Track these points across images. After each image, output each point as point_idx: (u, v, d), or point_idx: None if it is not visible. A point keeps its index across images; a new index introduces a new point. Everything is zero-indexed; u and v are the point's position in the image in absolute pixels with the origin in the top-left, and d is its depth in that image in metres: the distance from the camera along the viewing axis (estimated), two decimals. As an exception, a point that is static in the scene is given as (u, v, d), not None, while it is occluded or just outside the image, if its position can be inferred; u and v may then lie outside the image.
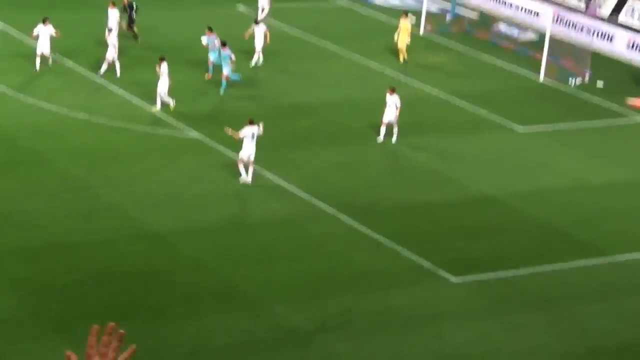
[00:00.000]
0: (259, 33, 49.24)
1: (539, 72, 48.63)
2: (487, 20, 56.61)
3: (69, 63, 49.06)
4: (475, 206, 37.34)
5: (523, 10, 56.22)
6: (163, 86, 45.33)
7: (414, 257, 33.66)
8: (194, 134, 42.10)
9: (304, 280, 32.52)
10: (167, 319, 29.69)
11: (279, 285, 31.96)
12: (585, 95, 47.07)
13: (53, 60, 48.67)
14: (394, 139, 40.72)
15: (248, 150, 38.98)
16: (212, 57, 46.90)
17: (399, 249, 34.15)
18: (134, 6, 51.53)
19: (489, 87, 47.58)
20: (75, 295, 30.19)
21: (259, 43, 49.15)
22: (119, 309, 29.32)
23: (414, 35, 54.50)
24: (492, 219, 36.48)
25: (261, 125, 39.11)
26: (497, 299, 31.81)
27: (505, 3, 58.03)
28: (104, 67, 46.88)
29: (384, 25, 57.09)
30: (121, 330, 4.04)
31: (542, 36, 50.03)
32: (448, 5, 57.85)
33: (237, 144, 39.60)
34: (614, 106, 46.18)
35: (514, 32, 54.01)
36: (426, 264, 33.27)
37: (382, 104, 44.17)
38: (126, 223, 35.47)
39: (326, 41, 54.55)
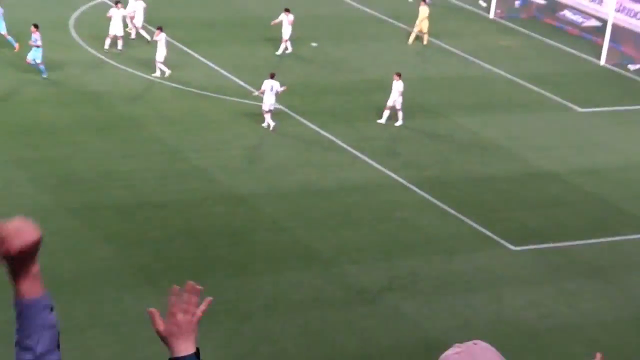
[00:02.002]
0: (286, 22, 49.66)
1: (600, 57, 49.71)
2: (554, 6, 56.82)
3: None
4: (536, 180, 38.72)
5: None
6: (160, 54, 47.38)
7: (477, 226, 35.27)
8: (279, 106, 43.44)
9: (374, 243, 33.92)
10: (247, 274, 31.22)
11: (351, 248, 33.57)
12: None
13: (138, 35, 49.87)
14: (398, 122, 42.53)
15: (268, 101, 42.07)
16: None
17: (463, 218, 35.72)
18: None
19: (553, 70, 48.47)
20: (163, 250, 31.80)
21: (286, 32, 49.77)
22: (203, 264, 31.35)
23: (485, 18, 56.83)
24: (551, 193, 37.90)
25: (284, 87, 42.15)
26: (553, 266, 33.22)
27: None
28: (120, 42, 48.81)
29: (449, 9, 58.72)
30: (198, 287, 5.07)
31: (604, 23, 50.96)
32: None
33: (315, 115, 42.64)
34: None
35: (579, 18, 54.45)
36: (488, 232, 34.85)
37: (449, 83, 47.17)
38: (212, 185, 37.04)
39: (393, 21, 55.76)
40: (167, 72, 46.52)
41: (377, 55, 49.70)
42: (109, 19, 48.40)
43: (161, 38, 46.37)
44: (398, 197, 37.77)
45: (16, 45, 45.69)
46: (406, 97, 44.49)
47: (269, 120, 42.49)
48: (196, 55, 48.21)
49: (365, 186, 38.53)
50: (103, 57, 47.29)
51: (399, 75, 42.69)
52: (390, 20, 53.83)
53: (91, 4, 50.28)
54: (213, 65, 46.74)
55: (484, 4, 56.12)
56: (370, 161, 40.07)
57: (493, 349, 5.36)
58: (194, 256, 31.44)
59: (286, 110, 43.38)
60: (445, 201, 37.33)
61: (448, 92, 45.33)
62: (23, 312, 4.81)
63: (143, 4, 49.88)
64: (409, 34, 51.89)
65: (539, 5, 55.47)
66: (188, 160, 38.77)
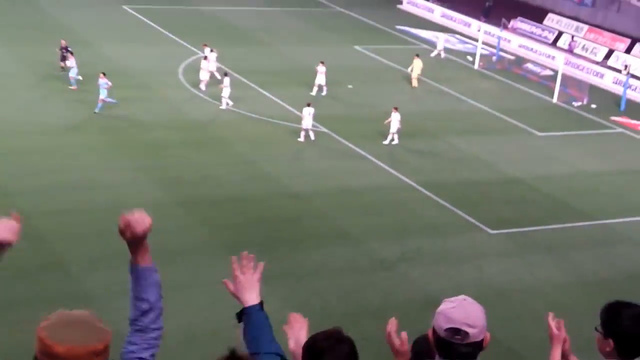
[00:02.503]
0: (322, 71, 48.96)
1: (553, 96, 50.16)
2: (520, 61, 57.43)
3: (244, 79, 50.36)
4: (507, 184, 39.50)
5: (544, 55, 57.48)
6: (225, 92, 46.43)
7: (464, 215, 36.07)
8: (323, 129, 43.96)
9: (391, 227, 34.70)
10: (300, 249, 31.83)
11: (374, 230, 34.32)
12: (584, 113, 48.54)
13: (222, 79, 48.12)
14: (394, 142, 42.84)
15: (306, 123, 42.42)
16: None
17: (455, 209, 36.61)
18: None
19: (519, 105, 49.00)
20: (242, 231, 32.39)
21: (320, 78, 48.87)
22: (270, 241, 31.70)
23: (471, 69, 56.79)
24: (518, 193, 38.74)
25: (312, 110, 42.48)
26: (519, 245, 34.14)
27: (532, 49, 59.33)
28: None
29: (446, 62, 58.53)
30: (250, 255, 5.80)
31: (556, 72, 51.30)
32: (494, 50, 58.53)
33: (349, 136, 43.08)
34: (602, 121, 47.58)
35: (538, 69, 55.09)
36: (472, 220, 35.64)
37: (444, 114, 47.74)
38: (276, 185, 37.71)
39: (401, 68, 54.80)
40: (230, 103, 46.25)
41: (390, 94, 49.64)
42: (201, 67, 48.23)
43: (226, 81, 46.00)
44: (407, 195, 38.56)
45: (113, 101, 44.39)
46: (412, 124, 45.07)
47: (307, 135, 42.82)
48: (265, 92, 48.32)
49: (385, 187, 39.18)
50: (200, 94, 47.22)
51: (396, 108, 42.83)
52: (398, 68, 53.03)
53: (194, 57, 49.85)
54: (276, 100, 47.08)
55: (470, 59, 55.84)
56: (388, 168, 40.83)
57: (477, 304, 5.57)
58: (264, 235, 31.93)
59: (330, 132, 43.78)
60: (442, 197, 37.95)
61: (443, 121, 46.40)
62: (139, 275, 5.28)
63: (215, 54, 49.79)
64: (413, 79, 51.79)
65: (509, 60, 55.57)
66: (260, 168, 39.23)
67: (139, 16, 60.75)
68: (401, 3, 70.40)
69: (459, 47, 60.51)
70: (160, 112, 45.18)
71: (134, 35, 55.62)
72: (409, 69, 51.82)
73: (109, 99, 43.65)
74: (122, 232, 5.03)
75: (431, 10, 67.25)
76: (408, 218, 36.13)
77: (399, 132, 42.43)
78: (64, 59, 46.91)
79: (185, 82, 48.65)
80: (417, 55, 52.69)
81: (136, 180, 36.96)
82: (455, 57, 59.21)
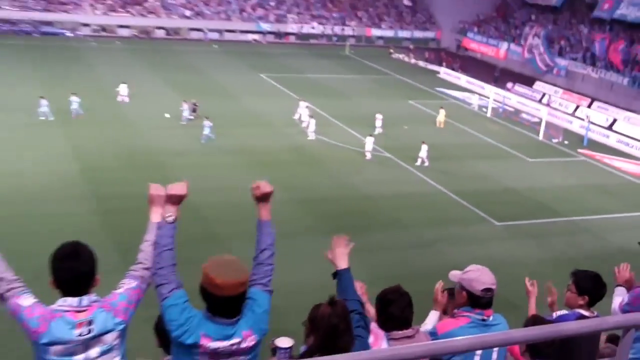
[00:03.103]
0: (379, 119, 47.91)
1: (539, 135, 49.50)
2: (517, 112, 56.25)
3: (333, 119, 49.71)
4: (507, 191, 39.11)
5: (533, 108, 56.93)
6: (311, 126, 45.47)
7: (477, 211, 35.79)
8: (386, 154, 43.29)
9: (429, 218, 34.59)
10: (370, 232, 31.33)
11: (419, 220, 34.14)
12: (559, 147, 47.90)
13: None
14: (425, 164, 41.85)
15: (368, 147, 41.88)
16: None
17: (472, 208, 36.24)
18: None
19: (517, 141, 48.09)
20: (336, 220, 32.26)
21: (378, 122, 47.62)
22: (354, 227, 30.53)
23: (485, 116, 55.61)
24: (514, 198, 38.33)
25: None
26: (515, 233, 33.81)
27: (525, 104, 58.63)
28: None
29: (466, 111, 58.19)
30: (345, 236, 6.00)
31: (541, 119, 50.87)
32: (500, 104, 57.45)
33: (402, 156, 42.68)
34: (572, 152, 46.91)
35: (530, 117, 54.43)
36: (483, 214, 35.41)
37: (464, 146, 47.00)
38: (355, 190, 37.33)
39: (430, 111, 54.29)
40: (313, 137, 45.20)
41: (429, 132, 49.32)
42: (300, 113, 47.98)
43: (312, 121, 45.50)
44: (440, 197, 38.22)
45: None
46: (443, 150, 44.78)
47: (368, 156, 42.17)
48: (346, 127, 47.43)
49: (425, 192, 38.90)
50: (304, 130, 46.77)
51: (424, 142, 42.38)
52: (423, 109, 52.43)
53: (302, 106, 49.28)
54: (353, 132, 46.37)
55: (485, 110, 55.72)
56: (427, 179, 40.31)
57: (489, 270, 6.06)
58: (351, 224, 31.25)
59: (389, 155, 43.13)
60: (463, 199, 37.60)
61: (464, 150, 45.96)
62: (261, 225, 5.44)
63: (306, 104, 48.79)
64: (439, 122, 51.26)
65: (510, 111, 55.22)
66: (343, 178, 39.05)
67: (270, 81, 61.15)
68: (439, 73, 70.31)
69: (478, 102, 59.73)
70: (279, 141, 44.82)
71: (264, 92, 56.00)
72: (440, 116, 51.25)
73: (210, 135, 43.20)
74: (253, 191, 5.41)
75: (459, 78, 67.30)
76: (440, 213, 36.01)
77: (428, 156, 41.79)
78: (194, 110, 46.72)
79: (296, 121, 48.22)
80: (442, 107, 52.20)
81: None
82: (468, 107, 58.75)
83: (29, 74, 56.50)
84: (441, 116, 50.78)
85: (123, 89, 50.38)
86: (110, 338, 4.77)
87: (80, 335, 4.59)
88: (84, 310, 4.67)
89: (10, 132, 42.16)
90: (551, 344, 5.92)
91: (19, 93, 49.45)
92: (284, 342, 5.94)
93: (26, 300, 4.60)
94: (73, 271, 4.71)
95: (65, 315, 4.61)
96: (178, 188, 5.09)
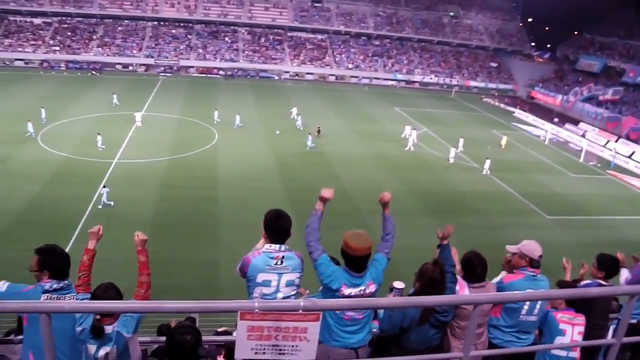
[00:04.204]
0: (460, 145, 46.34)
1: (580, 159, 46.40)
2: (566, 142, 52.71)
3: (437, 137, 48.84)
4: (557, 195, 36.76)
5: (577, 140, 53.09)
6: (411, 140, 43.86)
7: (534, 207, 33.92)
8: (474, 164, 41.01)
9: (497, 209, 32.86)
10: (461, 216, 30.51)
11: (493, 211, 32.58)
12: (594, 168, 44.80)
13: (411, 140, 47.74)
14: (488, 173, 39.20)
15: (451, 155, 39.80)
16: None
17: (530, 204, 34.39)
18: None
19: (564, 161, 45.29)
20: (435, 207, 31.28)
21: (460, 144, 45.21)
22: (448, 212, 30.53)
23: (543, 143, 52.01)
24: (562, 199, 35.97)
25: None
26: (559, 224, 31.78)
27: (573, 138, 55.32)
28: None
29: (530, 140, 55.05)
30: (449, 224, 5.73)
31: (582, 149, 47.82)
32: (553, 135, 54.82)
33: (476, 160, 40.95)
34: (602, 172, 44.10)
35: (574, 146, 50.85)
36: (538, 210, 33.61)
37: (524, 162, 44.61)
38: (448, 185, 35.82)
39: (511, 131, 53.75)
40: (412, 148, 43.77)
41: (502, 152, 46.03)
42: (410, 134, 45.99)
43: (411, 139, 44.08)
44: (507, 195, 36.36)
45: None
46: (510, 164, 42.74)
47: (452, 161, 40.68)
48: (444, 142, 44.63)
49: (496, 190, 37.01)
50: (411, 145, 44.96)
51: (488, 158, 40.24)
52: (508, 140, 50.32)
53: (419, 130, 47.88)
54: (447, 145, 43.21)
55: (544, 139, 52.39)
56: (498, 181, 38.38)
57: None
58: (446, 209, 31.20)
59: (475, 164, 40.97)
60: (524, 197, 35.84)
61: (527, 165, 43.54)
62: (385, 218, 5.40)
63: (410, 127, 46.75)
64: (503, 145, 48.14)
65: (561, 141, 51.98)
66: (438, 174, 37.68)
67: (401, 112, 60.18)
68: (514, 113, 67.52)
69: (538, 132, 56.48)
70: (401, 150, 43.79)
71: (396, 119, 55.00)
72: (502, 140, 48.75)
73: (311, 144, 41.25)
74: (379, 200, 5.37)
75: (527, 117, 64.28)
76: (507, 206, 34.30)
77: (490, 167, 39.51)
78: (318, 131, 44.87)
79: (410, 138, 45.95)
80: (505, 135, 49.84)
81: (386, 179, 36.02)
82: (532, 135, 55.45)
83: (251, 102, 58.32)
84: (504, 141, 48.39)
85: (294, 111, 50.74)
86: (293, 276, 4.89)
87: (275, 264, 4.76)
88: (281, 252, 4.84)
89: (238, 138, 43.54)
90: (581, 301, 6.05)
91: (245, 113, 51.13)
92: (398, 284, 6.04)
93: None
94: (279, 228, 4.88)
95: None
96: (326, 192, 5.15)
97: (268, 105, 55.99)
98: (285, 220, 4.89)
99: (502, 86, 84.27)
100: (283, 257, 4.77)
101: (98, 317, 4.66)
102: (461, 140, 44.62)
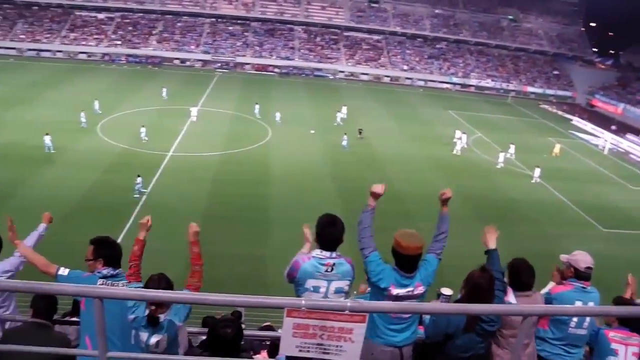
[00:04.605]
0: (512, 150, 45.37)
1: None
2: (627, 152, 51.13)
3: (490, 142, 48.26)
4: (615, 209, 35.48)
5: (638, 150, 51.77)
6: (460, 144, 43.21)
7: (589, 219, 32.92)
8: (528, 172, 40.36)
9: (551, 218, 32.01)
10: (511, 223, 29.69)
11: (547, 218, 31.78)
12: None
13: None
14: (538, 180, 37.96)
15: (500, 160, 39.13)
16: None
17: (586, 216, 33.41)
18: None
19: (623, 173, 43.69)
20: (485, 212, 30.59)
21: (511, 149, 45.40)
22: (499, 216, 29.70)
23: (601, 153, 50.44)
24: (621, 212, 34.81)
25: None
26: (614, 238, 30.70)
27: (632, 147, 53.84)
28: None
29: (589, 150, 53.57)
30: (494, 225, 5.58)
31: None
32: (612, 145, 53.02)
33: (543, 176, 39.79)
34: None
35: (635, 157, 49.34)
36: (594, 222, 32.56)
37: (577, 171, 43.25)
38: (496, 189, 35.18)
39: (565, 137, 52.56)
40: (459, 153, 43.06)
41: (555, 159, 44.83)
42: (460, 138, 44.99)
43: (459, 143, 43.41)
44: (561, 204, 35.34)
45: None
46: (564, 173, 41.50)
47: (500, 165, 40.02)
48: (496, 146, 43.56)
49: (548, 198, 36.03)
50: (459, 149, 44.18)
51: (538, 166, 38.88)
52: (562, 147, 49.00)
53: (471, 135, 47.11)
54: (497, 148, 42.67)
55: (603, 149, 50.79)
56: (551, 189, 37.25)
57: (590, 256, 5.77)
58: (496, 215, 30.38)
59: (528, 172, 39.77)
60: (578, 207, 34.88)
61: (583, 174, 42.25)
62: (441, 217, 5.38)
63: (459, 131, 45.63)
64: (555, 153, 46.51)
65: (621, 152, 50.28)
66: (487, 178, 36.91)
67: (455, 115, 59.47)
68: (572, 120, 65.75)
69: (596, 141, 54.84)
70: (450, 154, 43.06)
71: (450, 122, 54.14)
72: (555, 148, 47.12)
73: (345, 145, 40.81)
74: (440, 196, 5.36)
75: (586, 125, 62.53)
76: (561, 216, 33.33)
77: (540, 176, 38.31)
78: (360, 132, 44.06)
79: (459, 141, 45.17)
80: (559, 143, 48.23)
81: (440, 184, 35.39)
82: (589, 145, 53.70)
83: (305, 98, 59.01)
84: (557, 149, 46.82)
85: (343, 110, 50.47)
86: (343, 283, 4.79)
87: (325, 271, 4.67)
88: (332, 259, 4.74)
89: (293, 138, 43.83)
90: (636, 319, 5.68)
91: (297, 110, 51.53)
92: (446, 290, 5.95)
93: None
94: (331, 236, 4.75)
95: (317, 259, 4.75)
96: (378, 188, 5.08)
97: (321, 104, 56.16)
98: (338, 228, 4.77)
99: (560, 93, 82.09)
100: (334, 264, 4.69)
101: (153, 307, 4.78)
102: (512, 147, 43.44)
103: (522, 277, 5.55)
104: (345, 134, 41.15)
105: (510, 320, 5.21)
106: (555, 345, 5.68)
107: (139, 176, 28.92)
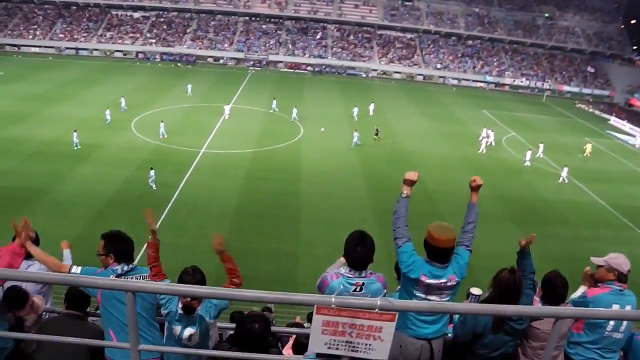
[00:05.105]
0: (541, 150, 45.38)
1: None
2: None
3: (521, 140, 47.13)
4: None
5: None
6: (485, 143, 42.61)
7: (626, 221, 32.08)
8: (555, 167, 38.94)
9: (585, 220, 31.32)
10: (543, 225, 29.27)
11: (577, 220, 31.08)
12: None
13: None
14: (566, 182, 36.95)
15: (526, 158, 37.64)
16: None
17: (622, 217, 32.61)
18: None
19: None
20: (523, 215, 30.17)
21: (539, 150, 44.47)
22: (535, 219, 29.66)
23: (633, 150, 50.86)
24: None
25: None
26: None
27: None
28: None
29: (623, 148, 52.60)
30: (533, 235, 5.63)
31: None
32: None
33: (578, 177, 38.93)
34: None
35: None
36: (631, 224, 31.77)
37: (617, 173, 42.24)
38: (537, 194, 34.47)
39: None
40: (484, 151, 42.46)
41: (587, 160, 43.82)
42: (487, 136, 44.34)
43: (484, 141, 42.75)
44: (596, 205, 34.45)
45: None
46: (595, 173, 40.45)
47: (528, 164, 38.65)
48: (527, 145, 43.25)
49: (584, 200, 35.18)
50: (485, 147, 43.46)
51: (566, 165, 37.99)
52: (598, 146, 47.84)
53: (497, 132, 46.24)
54: (528, 145, 42.24)
55: (637, 147, 49.15)
56: (587, 190, 36.31)
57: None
58: (531, 217, 29.68)
59: (553, 165, 38.72)
60: (614, 209, 33.94)
61: (621, 175, 41.19)
62: (470, 207, 5.29)
63: (486, 131, 44.69)
64: (587, 153, 45.16)
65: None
66: (518, 175, 36.22)
67: (489, 115, 58.80)
68: (609, 120, 64.42)
69: (633, 142, 53.49)
70: (483, 154, 42.33)
71: (482, 122, 52.99)
72: (587, 148, 45.85)
73: (356, 142, 40.29)
74: (471, 182, 5.28)
75: (624, 125, 61.04)
76: (596, 217, 32.53)
77: (567, 175, 37.38)
78: (377, 133, 42.85)
79: (483, 140, 44.93)
80: (590, 142, 47.05)
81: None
82: (628, 146, 52.19)
83: (337, 96, 59.16)
84: (589, 148, 45.56)
85: (372, 107, 51.03)
86: None
87: (354, 291, 4.53)
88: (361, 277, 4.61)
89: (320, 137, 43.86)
90: None
91: (333, 108, 51.71)
92: (476, 290, 5.92)
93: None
94: (358, 257, 4.59)
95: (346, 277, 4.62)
96: (411, 175, 5.07)
97: (353, 103, 55.86)
98: (367, 248, 4.60)
99: (597, 92, 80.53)
100: (363, 283, 4.57)
101: (188, 298, 4.82)
102: (541, 146, 42.86)
103: (558, 290, 5.45)
104: (356, 130, 40.63)
105: (537, 331, 5.15)
106: (589, 349, 5.55)
107: (151, 169, 29.26)
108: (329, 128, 44.95)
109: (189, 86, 52.77)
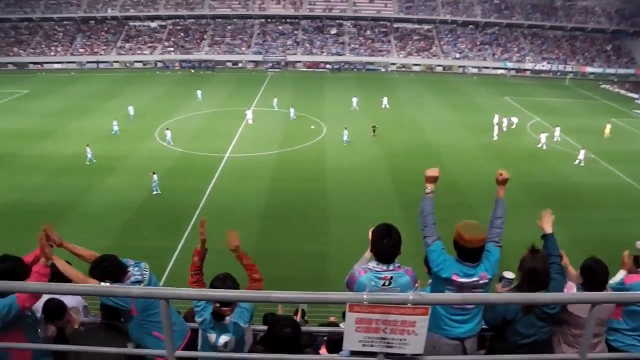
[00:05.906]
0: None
1: None
2: None
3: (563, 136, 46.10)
4: None
5: None
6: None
7: None
8: (593, 156, 37.92)
9: (617, 202, 30.57)
10: (574, 209, 28.77)
11: (608, 202, 30.43)
12: None
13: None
14: (582, 164, 36.23)
15: (545, 142, 37.21)
16: None
17: None
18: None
19: None
20: (544, 199, 29.25)
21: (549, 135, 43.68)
22: (561, 205, 28.22)
23: None
24: None
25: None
26: None
27: None
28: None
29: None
30: (549, 209, 5.48)
31: None
32: None
33: (607, 159, 38.47)
34: None
35: None
36: None
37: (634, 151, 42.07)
38: (560, 175, 33.83)
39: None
40: (496, 138, 41.84)
41: (609, 140, 42.85)
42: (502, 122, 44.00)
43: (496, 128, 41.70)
44: (627, 188, 33.53)
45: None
46: (623, 154, 39.38)
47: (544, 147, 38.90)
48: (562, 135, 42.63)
49: (614, 182, 34.29)
50: (497, 136, 42.79)
51: (584, 148, 37.36)
52: (623, 125, 46.69)
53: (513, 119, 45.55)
54: (565, 138, 41.44)
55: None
56: (616, 171, 35.39)
57: None
58: (560, 202, 28.84)
59: (593, 156, 38.07)
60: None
61: (634, 153, 39.29)
62: (497, 201, 5.22)
63: (498, 117, 44.11)
64: (606, 134, 44.01)
65: None
66: (547, 163, 35.53)
67: (511, 101, 58.21)
68: (637, 99, 63.09)
69: None
70: (508, 141, 41.54)
71: (505, 109, 51.92)
72: (606, 129, 44.72)
73: (347, 139, 39.77)
74: (497, 176, 5.20)
75: (651, 103, 59.86)
76: (628, 199, 31.61)
77: (584, 157, 36.63)
78: (374, 130, 42.09)
79: (497, 126, 44.64)
80: (609, 123, 45.64)
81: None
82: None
83: (356, 91, 57.70)
84: (608, 129, 44.44)
85: (385, 100, 51.63)
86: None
87: (383, 285, 4.52)
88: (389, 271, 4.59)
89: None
90: None
91: (348, 107, 51.65)
92: (509, 274, 5.87)
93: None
94: (384, 250, 4.58)
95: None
96: (432, 171, 5.01)
97: (373, 98, 55.62)
98: (393, 240, 4.57)
99: (622, 71, 78.95)
100: (392, 277, 4.52)
101: (218, 304, 4.88)
102: (557, 129, 42.29)
103: (601, 277, 5.28)
104: (346, 128, 40.28)
105: (578, 318, 5.06)
106: (629, 335, 5.47)
107: (154, 173, 29.57)
108: (351, 124, 44.81)
109: (199, 92, 53.41)
